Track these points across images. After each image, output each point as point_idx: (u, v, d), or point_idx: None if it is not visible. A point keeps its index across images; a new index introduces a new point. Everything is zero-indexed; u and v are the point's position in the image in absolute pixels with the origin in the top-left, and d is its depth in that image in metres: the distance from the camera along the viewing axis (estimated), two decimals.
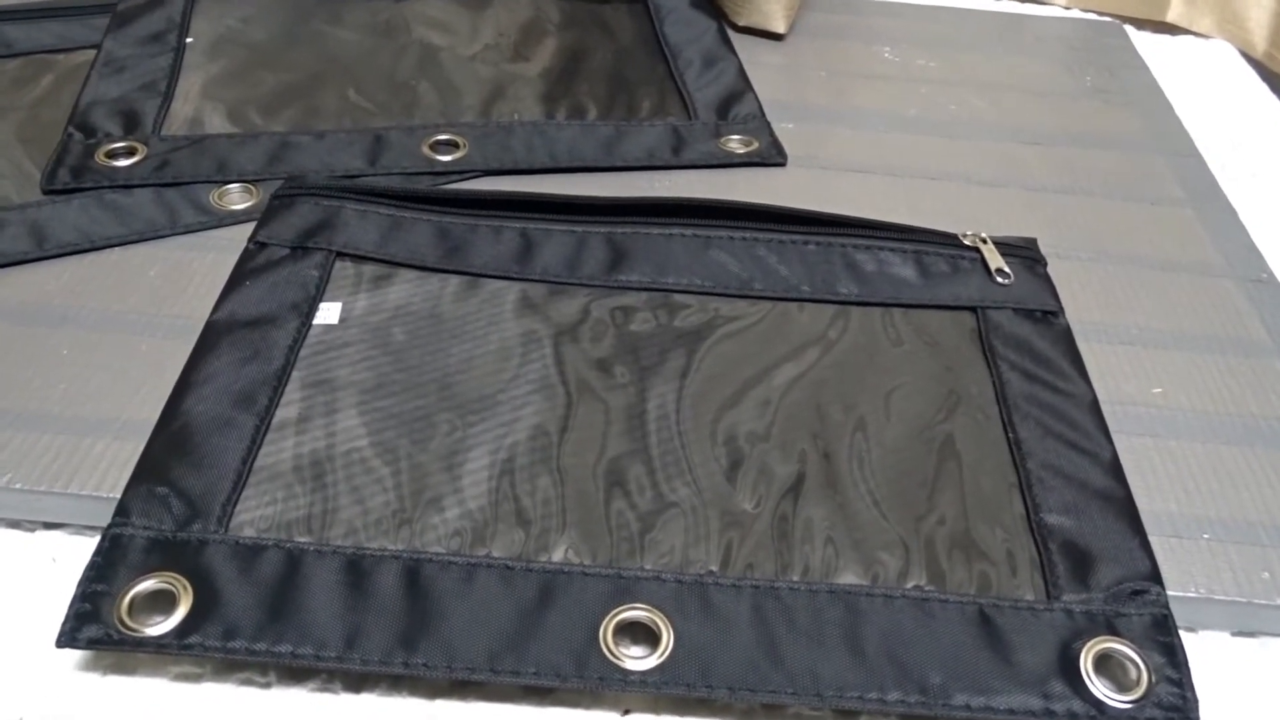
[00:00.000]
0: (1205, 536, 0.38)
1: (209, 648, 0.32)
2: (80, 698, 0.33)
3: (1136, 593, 0.35)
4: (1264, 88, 0.68)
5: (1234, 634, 0.37)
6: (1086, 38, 0.70)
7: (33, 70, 0.56)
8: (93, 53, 0.57)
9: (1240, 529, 0.38)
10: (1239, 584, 0.37)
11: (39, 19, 0.59)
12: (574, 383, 0.41)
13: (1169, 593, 0.35)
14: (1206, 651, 0.36)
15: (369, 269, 0.45)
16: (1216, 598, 0.36)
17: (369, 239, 0.46)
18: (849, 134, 0.58)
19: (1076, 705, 0.32)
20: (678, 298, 0.45)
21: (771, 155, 0.55)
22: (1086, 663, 0.33)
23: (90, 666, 0.33)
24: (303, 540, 0.35)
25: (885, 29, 0.68)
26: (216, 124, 0.53)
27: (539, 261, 0.46)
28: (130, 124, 0.52)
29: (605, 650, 0.33)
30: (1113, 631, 0.34)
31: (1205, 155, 0.59)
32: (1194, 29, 0.72)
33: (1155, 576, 0.35)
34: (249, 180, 0.50)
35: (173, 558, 0.34)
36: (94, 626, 0.32)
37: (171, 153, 0.51)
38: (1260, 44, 0.70)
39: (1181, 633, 0.34)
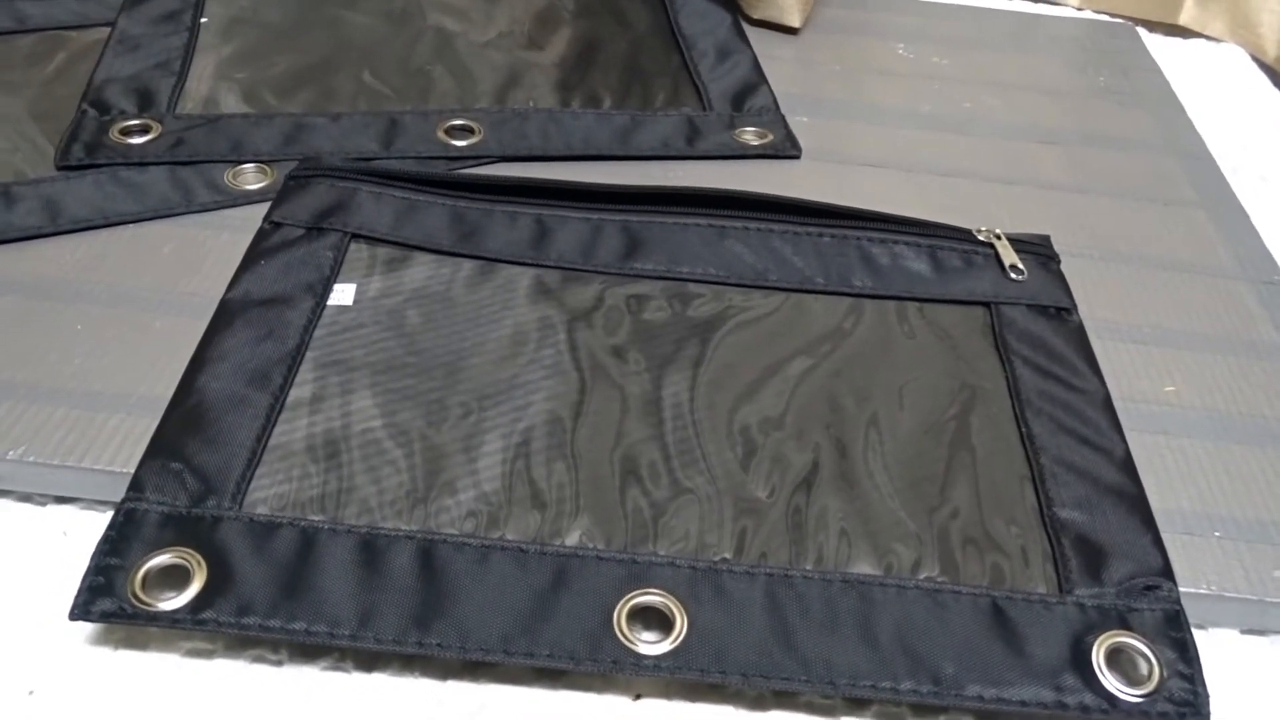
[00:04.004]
0: (1216, 534, 0.38)
1: (223, 623, 0.32)
2: (91, 671, 0.32)
3: (1149, 588, 0.35)
4: (1275, 92, 0.68)
5: (1244, 632, 0.37)
6: (1099, 39, 0.70)
7: (47, 46, 0.56)
8: (107, 30, 0.57)
9: (1251, 527, 0.38)
10: (1250, 582, 0.37)
11: None
12: (589, 369, 0.41)
13: (1181, 589, 0.35)
14: (1216, 649, 0.37)
15: (383, 251, 0.45)
16: (1227, 595, 0.36)
17: (384, 221, 0.46)
18: (863, 129, 0.58)
19: (1088, 698, 0.32)
20: (692, 287, 0.45)
21: (786, 148, 0.55)
22: (1098, 656, 0.33)
23: (102, 640, 0.33)
24: (316, 519, 0.35)
25: (900, 26, 0.68)
26: (231, 104, 0.53)
27: (554, 248, 0.46)
28: (145, 102, 0.52)
29: (619, 634, 0.33)
30: (1125, 626, 0.34)
31: (1216, 158, 0.59)
32: (1206, 32, 0.73)
33: (1167, 572, 0.36)
34: (264, 160, 0.50)
35: (187, 533, 0.34)
36: (107, 600, 0.32)
37: (186, 131, 0.51)
38: (1272, 49, 0.71)
39: (1192, 629, 0.34)
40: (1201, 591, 0.36)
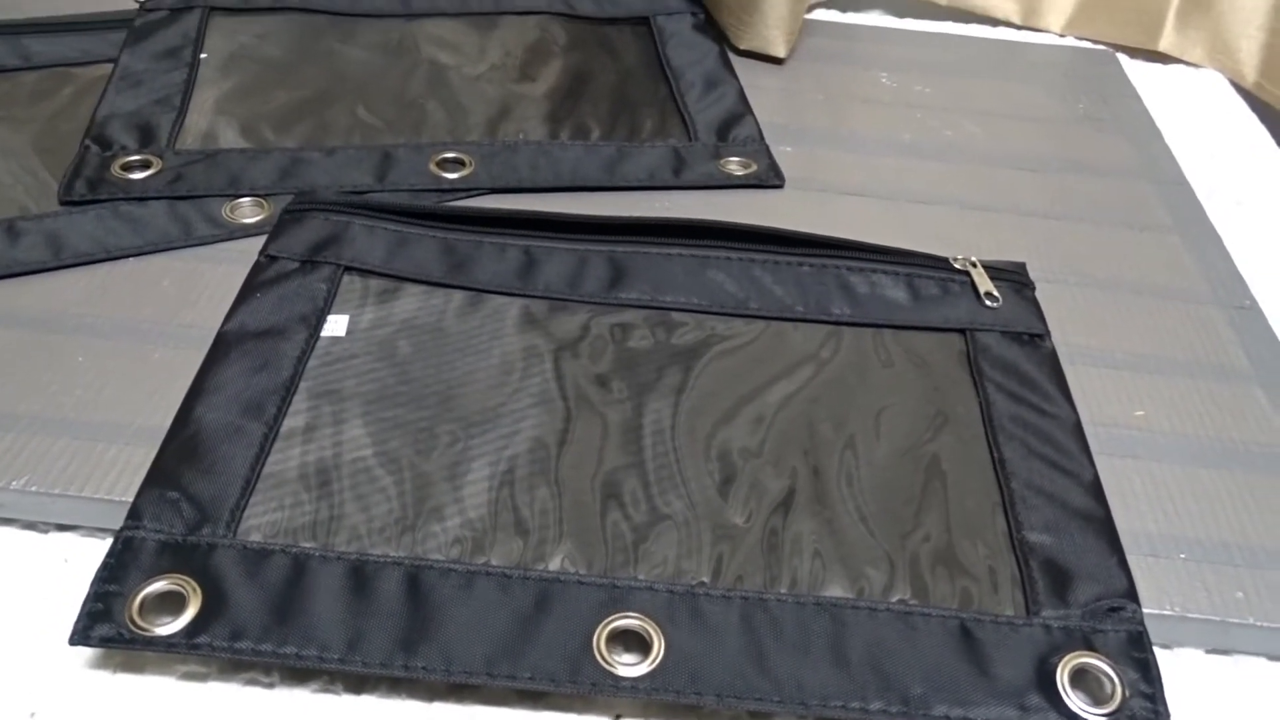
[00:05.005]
0: (1182, 556, 0.39)
1: (216, 648, 0.33)
2: (90, 694, 0.34)
3: (1113, 610, 0.36)
4: (1253, 117, 0.69)
5: (1208, 651, 0.38)
6: (1079, 65, 0.71)
7: (52, 83, 0.58)
8: (110, 66, 0.59)
9: (1216, 549, 0.40)
10: (1213, 603, 0.38)
11: (59, 32, 0.61)
12: (573, 397, 0.42)
13: (1146, 610, 0.37)
14: (1181, 668, 0.38)
15: (376, 283, 0.47)
16: (1191, 616, 0.37)
17: (376, 254, 0.47)
18: (845, 157, 0.59)
19: (1053, 717, 0.33)
20: (675, 316, 0.47)
21: (769, 177, 0.56)
22: (1063, 676, 0.34)
23: (100, 664, 0.35)
24: (308, 546, 0.36)
25: (883, 55, 0.70)
26: (229, 139, 0.55)
27: (541, 278, 0.47)
28: (145, 137, 0.54)
29: (598, 657, 0.34)
30: (1089, 647, 0.35)
31: (1193, 183, 0.61)
32: (1185, 58, 0.74)
33: (1132, 594, 0.37)
34: (260, 194, 0.51)
35: (183, 560, 0.35)
36: (106, 625, 0.33)
37: (185, 166, 0.52)
38: (1250, 74, 0.72)
39: (1157, 650, 0.36)
40: (1166, 612, 0.38)
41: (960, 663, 0.35)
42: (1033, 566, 0.38)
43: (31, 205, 0.50)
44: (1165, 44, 0.74)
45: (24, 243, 0.47)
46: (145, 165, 0.52)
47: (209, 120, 0.56)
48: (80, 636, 0.33)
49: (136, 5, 0.64)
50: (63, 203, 0.50)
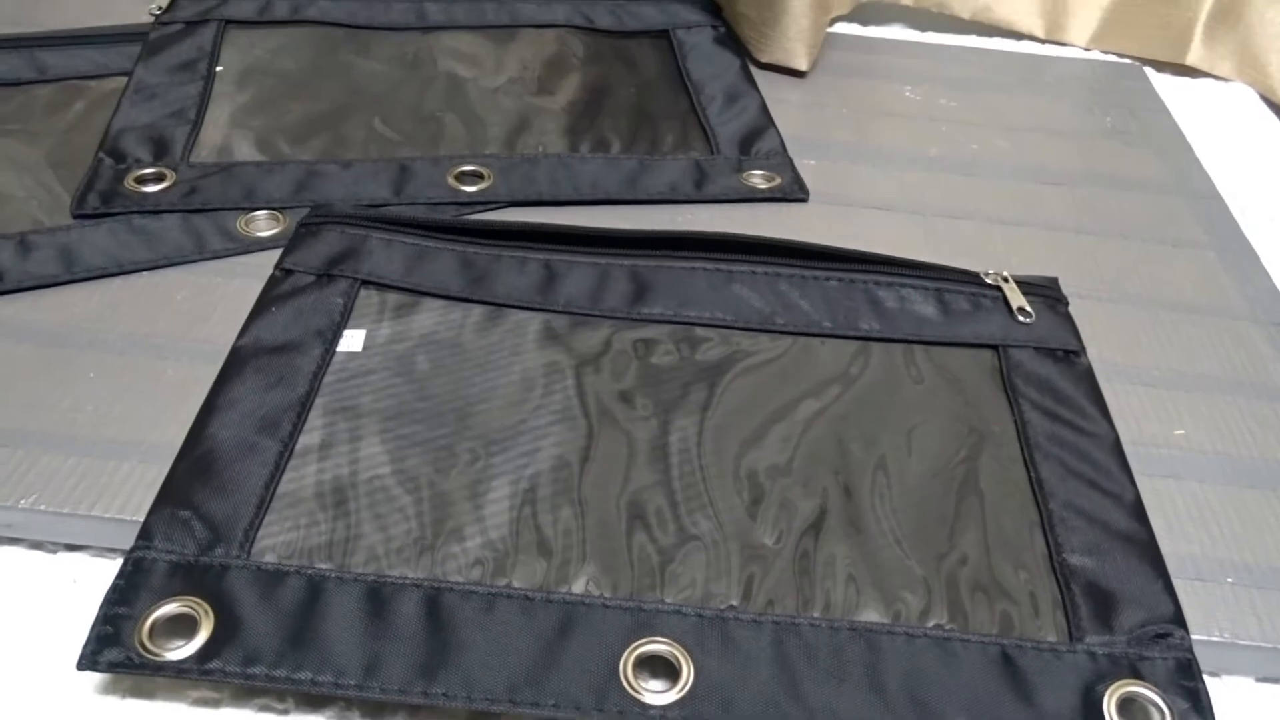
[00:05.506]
0: (1229, 580, 0.38)
1: (229, 673, 0.32)
2: None
3: (1160, 636, 0.35)
4: None
5: (1258, 680, 0.37)
6: (1107, 79, 0.70)
7: (66, 96, 0.57)
8: (125, 79, 0.58)
9: (1264, 573, 0.38)
10: (1263, 629, 0.36)
11: (73, 45, 0.60)
12: (596, 414, 0.41)
13: (1193, 636, 0.35)
14: (1231, 697, 0.36)
15: (393, 297, 0.46)
16: (1241, 643, 0.36)
17: (394, 268, 0.47)
18: (871, 171, 0.58)
19: None
20: (700, 331, 0.45)
21: (794, 191, 0.55)
22: (1110, 706, 0.33)
23: (109, 689, 0.33)
24: (324, 567, 0.35)
25: (907, 68, 0.69)
26: (245, 152, 0.54)
27: (562, 293, 0.46)
28: (160, 150, 0.53)
29: (625, 683, 0.33)
30: (1136, 675, 0.34)
31: (1225, 198, 0.59)
32: (1214, 72, 0.73)
33: (1179, 620, 0.35)
34: (276, 208, 0.50)
35: (195, 582, 0.34)
36: (115, 649, 0.32)
37: (200, 179, 0.51)
38: None
39: (1205, 677, 0.34)
40: (1214, 639, 0.36)
41: (1002, 691, 0.33)
42: (1074, 590, 0.36)
43: (44, 219, 0.49)
44: (1193, 58, 0.72)
45: (36, 256, 0.47)
46: (159, 178, 0.51)
47: (224, 133, 0.55)
48: (88, 661, 0.32)
49: (151, 18, 0.63)
50: (76, 216, 0.49)
